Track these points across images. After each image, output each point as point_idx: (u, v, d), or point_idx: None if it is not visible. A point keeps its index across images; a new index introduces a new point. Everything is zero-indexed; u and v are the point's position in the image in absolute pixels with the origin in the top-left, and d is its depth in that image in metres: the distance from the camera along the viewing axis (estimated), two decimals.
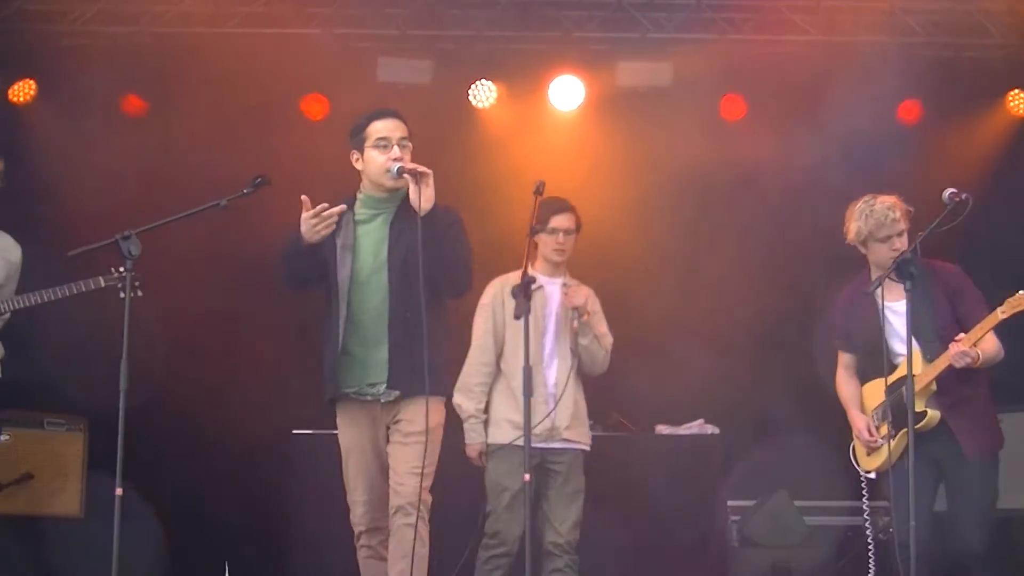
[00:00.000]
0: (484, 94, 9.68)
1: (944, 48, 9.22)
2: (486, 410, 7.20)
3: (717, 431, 8.35)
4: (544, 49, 9.63)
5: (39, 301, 7.08)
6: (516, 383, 6.91)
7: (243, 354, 9.38)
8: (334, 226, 6.06)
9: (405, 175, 6.03)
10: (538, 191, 6.11)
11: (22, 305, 7.07)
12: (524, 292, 5.94)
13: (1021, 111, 9.59)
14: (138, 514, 6.09)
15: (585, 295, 7.14)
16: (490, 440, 7.20)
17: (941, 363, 6.43)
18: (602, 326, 7.30)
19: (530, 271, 6.65)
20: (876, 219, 6.64)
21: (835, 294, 6.88)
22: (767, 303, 9.32)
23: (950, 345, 6.38)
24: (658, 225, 9.32)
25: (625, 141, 9.59)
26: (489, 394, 7.23)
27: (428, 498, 6.07)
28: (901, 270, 6.26)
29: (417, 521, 5.93)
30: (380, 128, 6.20)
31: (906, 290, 6.21)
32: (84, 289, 6.94)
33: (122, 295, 6.14)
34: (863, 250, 6.74)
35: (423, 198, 5.97)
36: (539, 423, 7.00)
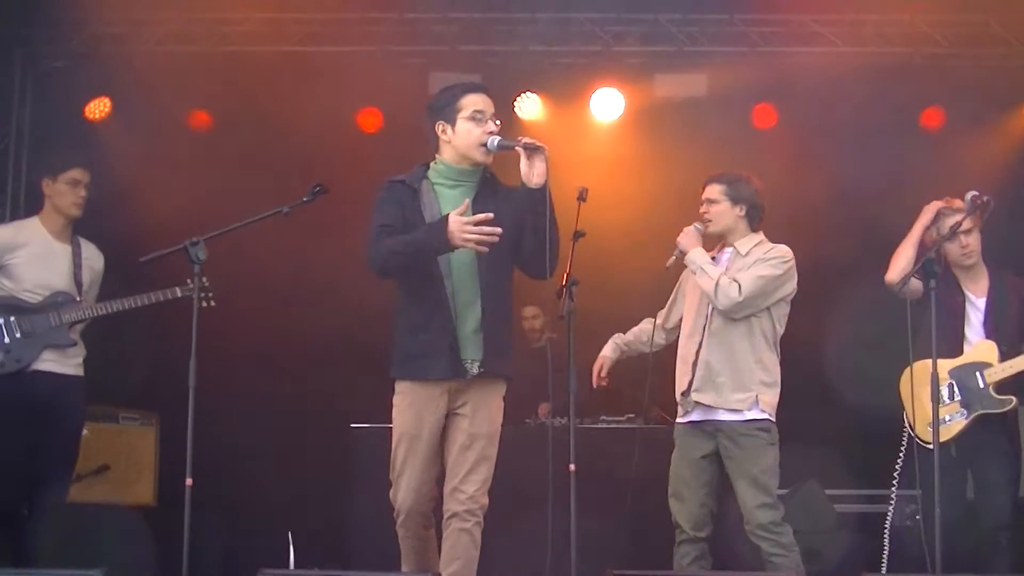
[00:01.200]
0: (529, 106, 9.71)
1: (964, 58, 9.18)
2: None
3: None
4: (585, 63, 9.64)
5: (121, 308, 7.16)
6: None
7: (305, 352, 9.44)
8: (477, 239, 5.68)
9: (518, 149, 5.76)
10: (581, 197, 5.90)
11: (105, 312, 7.16)
12: (568, 293, 5.90)
13: None
14: (207, 502, 6.14)
15: (689, 234, 6.77)
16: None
17: None
18: (753, 269, 6.68)
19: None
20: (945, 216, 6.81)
21: None
22: (800, 298, 9.27)
23: None
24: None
25: (663, 149, 9.59)
26: None
27: (485, 501, 5.91)
28: (925, 269, 6.29)
29: (473, 527, 5.84)
30: (476, 100, 5.93)
31: (930, 288, 6.23)
32: (162, 299, 7.02)
33: (199, 303, 6.22)
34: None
35: (536, 172, 5.73)
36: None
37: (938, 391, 6.15)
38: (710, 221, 6.84)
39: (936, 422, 6.07)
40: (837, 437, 8.59)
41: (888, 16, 9.13)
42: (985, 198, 6.41)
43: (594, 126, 9.82)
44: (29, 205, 8.54)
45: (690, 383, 6.64)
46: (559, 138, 9.63)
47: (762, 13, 9.28)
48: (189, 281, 6.65)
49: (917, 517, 6.82)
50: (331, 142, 9.41)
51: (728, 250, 6.86)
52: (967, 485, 6.87)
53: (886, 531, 7.08)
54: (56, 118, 9.43)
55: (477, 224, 5.67)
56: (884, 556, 7.02)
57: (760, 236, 6.86)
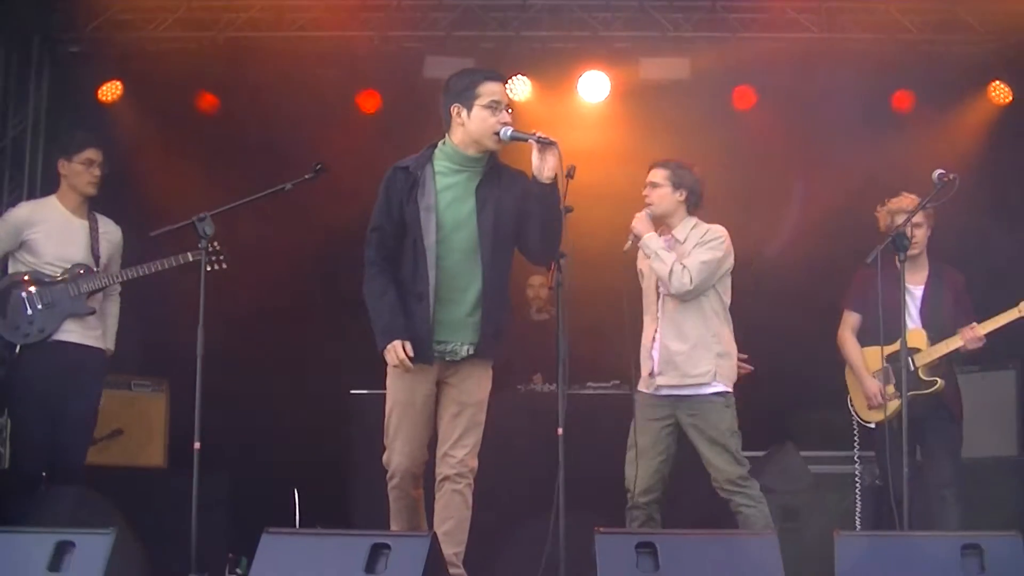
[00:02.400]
0: (520, 88, 9.67)
1: (933, 43, 9.18)
2: None
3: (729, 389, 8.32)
4: (574, 47, 9.64)
5: (141, 274, 7.16)
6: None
7: (307, 322, 9.44)
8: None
9: (531, 141, 5.65)
10: (569, 174, 5.78)
11: (127, 278, 7.15)
12: (557, 266, 5.87)
13: (1001, 100, 9.53)
14: (215, 464, 6.15)
15: (641, 220, 6.78)
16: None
17: (953, 343, 7.00)
18: (698, 254, 6.72)
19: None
20: (894, 215, 7.03)
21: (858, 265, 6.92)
22: (776, 274, 9.31)
23: (964, 331, 6.96)
24: None
25: (647, 129, 9.56)
26: None
27: (475, 464, 5.89)
28: (897, 242, 6.35)
29: (464, 488, 5.84)
30: (495, 90, 5.80)
31: (900, 260, 6.35)
32: (174, 264, 6.99)
33: (208, 268, 6.25)
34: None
35: (547, 167, 5.62)
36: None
37: (906, 365, 6.56)
38: (651, 204, 6.88)
39: (905, 398, 6.36)
40: (813, 402, 8.59)
41: (861, 4, 9.14)
42: (951, 176, 6.40)
43: (582, 107, 9.80)
44: (46, 185, 8.53)
45: (651, 370, 6.73)
46: (548, 119, 9.61)
47: (742, 0, 9.25)
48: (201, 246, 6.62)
49: (877, 482, 7.02)
50: (332, 122, 9.40)
51: (668, 238, 6.89)
52: (915, 450, 7.01)
53: (857, 492, 7.33)
54: (71, 101, 9.42)
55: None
56: (857, 514, 7.15)
57: (695, 220, 6.91)
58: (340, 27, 9.32)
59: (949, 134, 9.38)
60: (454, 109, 5.84)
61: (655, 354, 6.72)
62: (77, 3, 9.13)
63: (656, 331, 6.75)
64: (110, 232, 7.29)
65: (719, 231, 6.85)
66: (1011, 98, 9.50)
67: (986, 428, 7.26)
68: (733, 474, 6.60)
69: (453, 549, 5.80)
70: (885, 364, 7.00)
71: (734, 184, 9.60)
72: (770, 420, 8.69)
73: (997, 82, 9.49)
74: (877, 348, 6.90)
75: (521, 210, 5.80)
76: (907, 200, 7.04)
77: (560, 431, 5.56)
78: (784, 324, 9.17)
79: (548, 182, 5.65)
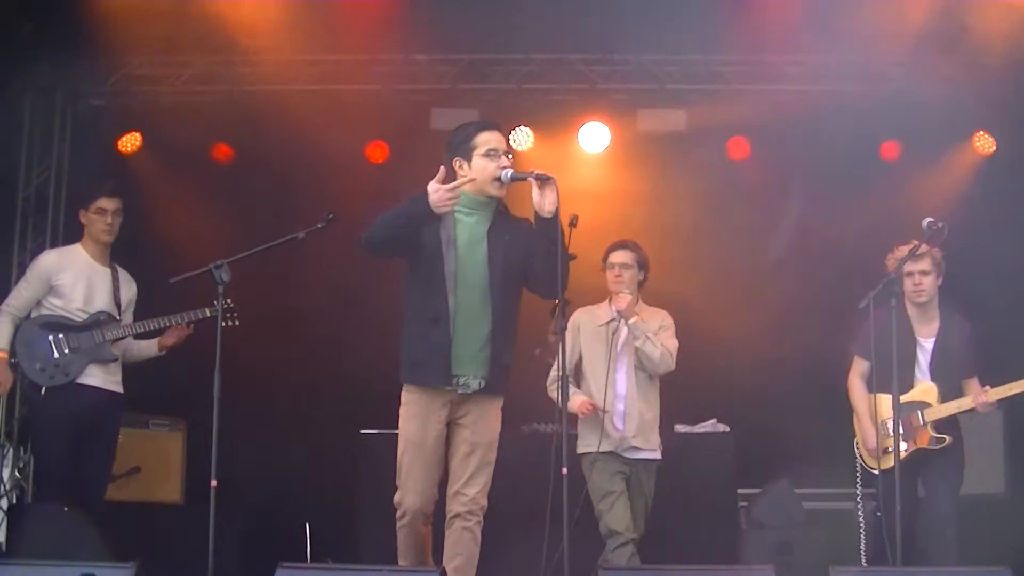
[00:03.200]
0: (523, 139, 9.72)
1: (919, 95, 9.20)
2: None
3: (728, 429, 8.33)
4: (574, 99, 9.67)
5: (156, 327, 7.22)
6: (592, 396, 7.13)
7: (319, 366, 9.44)
8: (457, 201, 5.72)
9: (530, 179, 5.71)
10: (572, 223, 5.86)
11: (142, 330, 7.22)
12: (561, 311, 5.91)
13: (985, 150, 9.58)
14: (230, 501, 6.14)
15: (627, 301, 7.08)
16: (584, 450, 7.13)
17: (965, 404, 6.88)
18: (670, 341, 7.24)
19: (608, 303, 7.15)
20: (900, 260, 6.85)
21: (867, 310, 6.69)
22: (770, 319, 9.32)
23: (977, 395, 6.82)
24: (675, 250, 9.31)
25: (646, 178, 9.63)
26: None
27: (485, 503, 5.91)
28: (887, 288, 6.37)
29: (474, 525, 5.86)
30: (490, 139, 5.87)
31: (892, 306, 6.33)
32: (193, 319, 7.06)
33: (222, 321, 6.29)
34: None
35: (547, 201, 5.67)
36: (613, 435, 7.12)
37: (897, 405, 6.41)
38: (623, 285, 7.19)
39: (897, 446, 6.40)
40: (806, 442, 8.58)
41: (849, 57, 9.15)
42: (940, 224, 6.44)
43: (582, 157, 9.83)
44: (68, 232, 8.58)
45: (620, 431, 7.13)
46: (550, 168, 9.52)
47: (736, 54, 9.31)
48: (216, 302, 6.65)
49: (878, 514, 6.88)
50: (342, 172, 9.42)
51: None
52: (916, 487, 6.98)
53: (861, 529, 7.15)
54: (92, 151, 9.46)
55: (453, 188, 5.65)
56: (862, 550, 7.10)
57: (640, 299, 7.29)
58: (349, 81, 9.38)
59: (937, 183, 9.40)
60: (456, 163, 5.90)
61: (629, 421, 7.14)
62: (98, 58, 9.20)
63: (626, 399, 7.16)
64: (128, 284, 7.35)
65: (669, 317, 7.35)
66: (995, 148, 9.54)
67: (974, 466, 7.20)
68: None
69: None
70: (895, 417, 6.66)
71: (729, 230, 9.67)
72: (766, 459, 8.69)
73: (981, 132, 9.54)
74: (884, 397, 6.75)
75: (528, 249, 5.85)
76: (900, 252, 6.90)
77: (564, 471, 5.56)
78: (777, 370, 9.19)
79: (550, 216, 5.70)
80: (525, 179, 5.79)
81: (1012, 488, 8.69)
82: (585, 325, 7.23)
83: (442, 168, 5.72)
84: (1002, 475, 8.60)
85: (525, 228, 5.90)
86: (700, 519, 7.56)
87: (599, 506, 7.05)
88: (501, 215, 5.96)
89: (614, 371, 7.15)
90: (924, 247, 6.76)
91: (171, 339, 7.30)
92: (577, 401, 7.01)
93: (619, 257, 7.22)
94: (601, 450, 7.07)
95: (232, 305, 6.93)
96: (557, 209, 5.70)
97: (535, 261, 5.80)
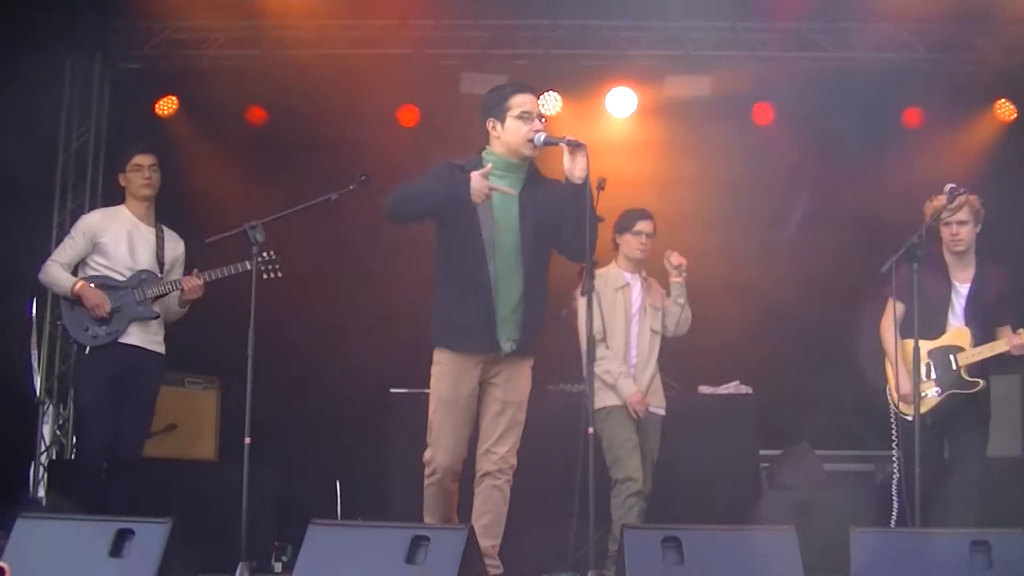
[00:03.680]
0: (551, 104, 9.68)
1: (941, 63, 9.11)
2: None
3: (750, 391, 8.29)
4: (602, 65, 9.64)
5: (201, 282, 7.10)
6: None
7: (350, 326, 9.44)
8: (491, 196, 5.67)
9: (562, 145, 5.66)
10: (600, 186, 5.88)
11: (178, 288, 7.10)
12: (589, 273, 5.87)
13: (1006, 117, 9.51)
14: (263, 458, 6.15)
15: (681, 258, 7.18)
16: (603, 404, 7.01)
17: (999, 347, 6.67)
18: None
19: (616, 266, 7.14)
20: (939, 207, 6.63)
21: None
22: (793, 282, 9.29)
23: (1011, 336, 6.63)
24: (700, 211, 9.31)
25: (672, 142, 9.60)
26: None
27: (514, 462, 5.90)
28: (910, 252, 6.22)
29: (503, 484, 5.85)
30: (524, 101, 5.81)
31: (914, 271, 6.20)
32: (233, 272, 6.95)
33: (264, 276, 6.36)
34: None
35: (578, 167, 5.62)
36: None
37: (918, 369, 6.30)
38: (645, 255, 7.30)
39: (917, 398, 6.31)
40: (827, 404, 8.56)
41: (873, 25, 9.10)
42: (961, 190, 6.36)
43: (610, 122, 9.80)
44: (107, 194, 8.60)
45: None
46: (578, 132, 9.37)
47: (761, 21, 9.27)
48: (263, 255, 6.62)
49: (895, 475, 6.82)
50: (374, 135, 9.39)
51: (640, 276, 7.30)
52: (943, 447, 6.87)
53: (893, 492, 6.92)
54: (129, 114, 9.47)
55: (491, 190, 5.65)
56: (893, 514, 6.92)
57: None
58: (381, 45, 9.35)
59: (959, 150, 9.34)
60: (490, 124, 5.87)
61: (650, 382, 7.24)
62: (136, 23, 9.22)
63: (647, 361, 7.24)
64: (174, 243, 7.29)
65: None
66: (1016, 115, 9.48)
67: (992, 430, 7.13)
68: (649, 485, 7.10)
69: (490, 542, 5.83)
70: (928, 359, 6.73)
71: (754, 194, 9.62)
72: (788, 421, 8.67)
73: (1002, 100, 9.48)
74: (921, 341, 6.49)
75: (558, 211, 5.79)
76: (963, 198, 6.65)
77: (590, 430, 5.54)
78: (800, 333, 9.16)
79: (580, 182, 5.64)
80: (557, 144, 5.74)
81: None
82: (601, 289, 7.13)
83: (488, 165, 5.71)
84: (1020, 438, 8.53)
85: (556, 191, 5.84)
86: (722, 480, 7.52)
87: (618, 452, 7.01)
88: (532, 177, 5.91)
89: (630, 333, 7.20)
90: (963, 214, 6.64)
91: (186, 296, 7.10)
92: (629, 392, 7.07)
93: (647, 226, 7.25)
94: (616, 404, 7.09)
95: (274, 257, 6.84)
96: (587, 175, 5.65)
97: (565, 225, 5.74)
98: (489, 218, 5.78)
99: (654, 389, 7.27)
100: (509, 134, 5.81)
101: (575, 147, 5.67)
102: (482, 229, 5.77)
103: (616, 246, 7.29)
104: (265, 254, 6.60)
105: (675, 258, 7.19)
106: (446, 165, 5.86)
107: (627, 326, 7.18)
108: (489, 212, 5.78)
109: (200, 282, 7.02)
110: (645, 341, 7.24)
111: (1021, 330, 6.66)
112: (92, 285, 6.96)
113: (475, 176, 5.64)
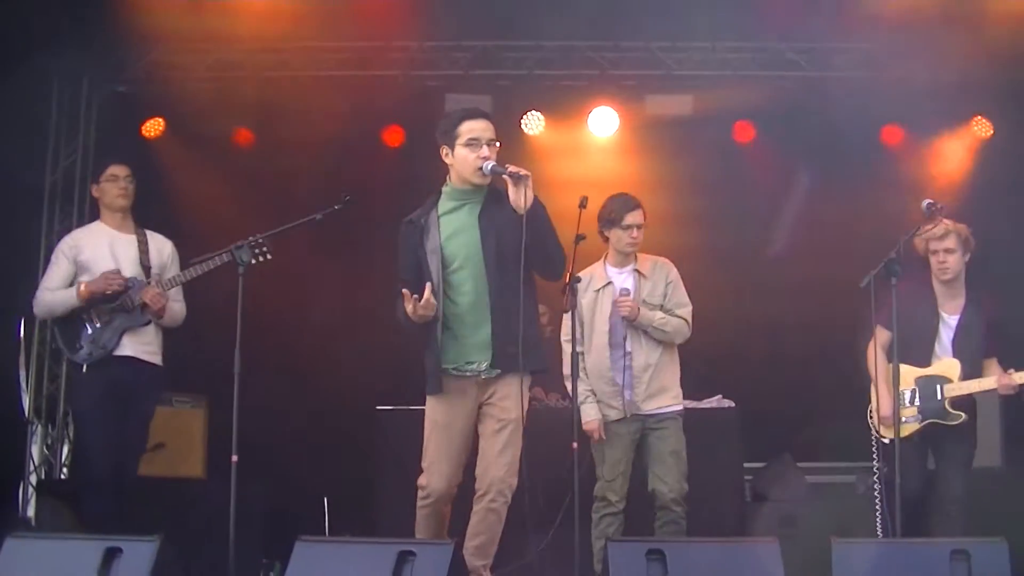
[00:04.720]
0: (534, 123, 9.72)
1: (918, 80, 9.14)
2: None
3: (733, 405, 8.30)
4: (584, 85, 9.66)
5: (183, 280, 6.98)
6: (590, 366, 6.76)
7: (335, 344, 9.42)
8: (435, 308, 5.68)
9: (505, 176, 5.63)
10: (582, 205, 5.90)
11: (169, 287, 7.00)
12: (571, 290, 5.87)
13: (983, 134, 9.56)
14: (250, 476, 6.13)
15: (630, 306, 6.68)
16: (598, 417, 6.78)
17: (987, 384, 6.65)
18: (681, 308, 6.87)
19: (603, 264, 6.79)
20: (928, 240, 6.71)
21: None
22: (775, 298, 9.30)
23: (1000, 376, 6.59)
24: (681, 230, 9.28)
25: (653, 161, 9.60)
26: None
27: (513, 482, 5.79)
28: (888, 268, 6.24)
29: (500, 506, 5.76)
30: (472, 128, 5.75)
31: (892, 285, 6.22)
32: (218, 263, 6.68)
33: (253, 260, 6.32)
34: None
35: (524, 198, 5.57)
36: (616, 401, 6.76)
37: (898, 385, 6.34)
38: (637, 244, 6.82)
39: (897, 422, 6.36)
40: (809, 418, 8.58)
41: (851, 44, 9.14)
42: (939, 205, 6.37)
43: (592, 141, 9.83)
44: (94, 216, 8.51)
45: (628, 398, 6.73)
46: (561, 152, 9.67)
47: (741, 41, 9.29)
48: (248, 240, 6.49)
49: (876, 488, 6.82)
50: (360, 156, 9.43)
51: (628, 270, 6.84)
52: (927, 460, 6.88)
53: (876, 504, 6.94)
54: (116, 137, 9.44)
55: (423, 305, 5.63)
56: (878, 521, 6.91)
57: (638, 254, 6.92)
58: (367, 67, 9.38)
59: (937, 166, 9.39)
60: (443, 151, 5.85)
61: (630, 387, 6.73)
62: (123, 47, 9.19)
63: (631, 363, 6.73)
64: (159, 245, 7.18)
65: (674, 268, 6.93)
66: (992, 132, 9.52)
67: None
68: (686, 488, 6.75)
69: (482, 561, 5.80)
70: (914, 386, 6.72)
71: (733, 211, 9.64)
72: (771, 434, 8.67)
73: (979, 117, 9.52)
74: (905, 368, 6.56)
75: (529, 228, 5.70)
76: (940, 225, 6.67)
77: (575, 445, 5.54)
78: (782, 348, 9.18)
79: (524, 212, 5.60)
80: (502, 174, 5.69)
81: (1009, 462, 8.65)
82: (581, 296, 6.75)
83: (405, 292, 5.67)
84: (999, 449, 8.56)
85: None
86: (706, 493, 7.52)
87: (601, 470, 6.79)
88: (493, 196, 5.85)
89: (615, 334, 6.74)
90: (945, 224, 6.61)
91: (149, 307, 6.92)
92: (587, 419, 6.71)
93: (636, 217, 6.77)
94: (613, 419, 6.79)
95: (260, 240, 6.68)
96: (536, 203, 5.63)
97: (532, 250, 5.69)
98: (437, 262, 5.77)
99: (663, 388, 6.81)
100: (459, 162, 5.79)
101: (517, 179, 5.62)
102: (432, 276, 5.75)
103: (605, 239, 6.85)
104: (251, 238, 6.49)
105: (621, 309, 6.72)
106: (404, 230, 5.90)
107: (610, 327, 6.74)
108: (437, 255, 5.78)
109: (158, 290, 6.93)
110: (640, 336, 6.77)
111: (1012, 371, 6.61)
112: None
113: (407, 308, 5.66)
